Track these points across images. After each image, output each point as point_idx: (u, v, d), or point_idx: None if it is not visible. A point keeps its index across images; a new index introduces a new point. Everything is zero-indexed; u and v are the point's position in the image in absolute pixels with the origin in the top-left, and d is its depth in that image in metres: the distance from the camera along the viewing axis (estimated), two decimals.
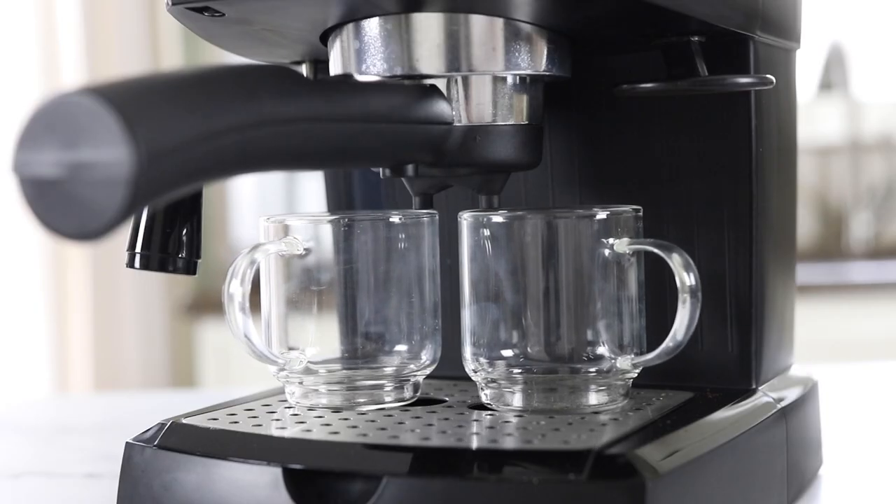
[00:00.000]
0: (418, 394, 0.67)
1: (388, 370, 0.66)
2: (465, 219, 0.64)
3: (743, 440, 0.61)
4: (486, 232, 0.62)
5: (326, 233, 0.65)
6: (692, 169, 0.68)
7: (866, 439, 0.86)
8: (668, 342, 0.61)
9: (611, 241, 0.61)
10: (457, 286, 0.66)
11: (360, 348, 0.66)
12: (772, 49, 0.68)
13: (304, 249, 0.64)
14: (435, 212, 0.66)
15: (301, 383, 0.65)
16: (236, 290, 0.61)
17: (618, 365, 0.62)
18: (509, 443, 0.57)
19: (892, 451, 0.83)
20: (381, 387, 0.65)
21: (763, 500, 0.63)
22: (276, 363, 0.64)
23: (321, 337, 0.65)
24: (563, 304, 0.62)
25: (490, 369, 0.63)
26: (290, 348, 0.65)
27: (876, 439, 0.87)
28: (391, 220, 0.65)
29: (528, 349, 0.62)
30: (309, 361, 0.65)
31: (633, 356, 0.62)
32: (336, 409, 0.64)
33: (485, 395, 0.64)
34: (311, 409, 0.65)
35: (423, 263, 0.66)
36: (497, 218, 0.62)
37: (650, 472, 0.53)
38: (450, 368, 0.69)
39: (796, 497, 0.68)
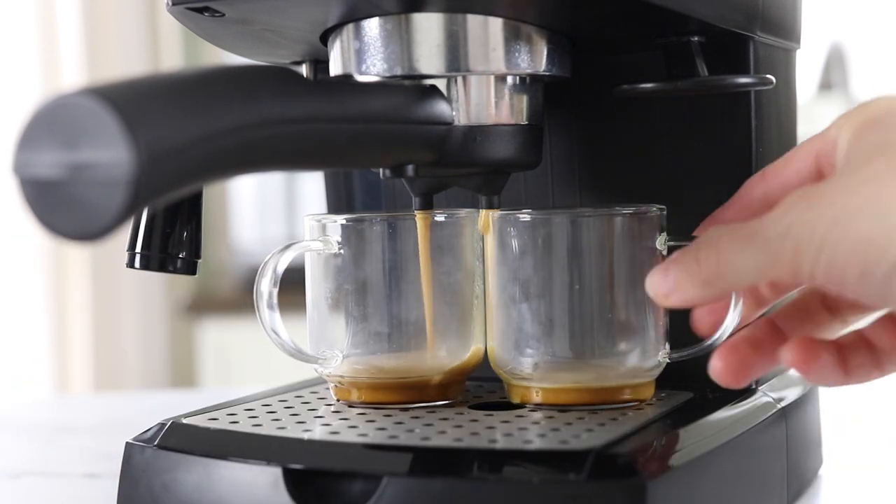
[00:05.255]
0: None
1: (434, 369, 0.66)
2: (496, 218, 0.63)
3: (743, 440, 0.61)
4: (518, 230, 0.62)
5: (362, 232, 0.65)
6: (692, 169, 0.68)
7: (866, 439, 0.86)
8: (718, 335, 0.60)
9: (654, 238, 0.62)
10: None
11: (403, 347, 0.65)
12: (772, 49, 0.68)
13: (339, 248, 0.65)
14: (474, 210, 0.66)
15: (341, 381, 0.66)
16: (265, 288, 0.62)
17: (658, 360, 0.62)
18: (509, 443, 0.57)
19: (892, 451, 0.83)
20: (425, 385, 0.65)
21: (763, 500, 0.63)
22: (306, 360, 0.65)
23: (357, 336, 0.65)
24: (602, 301, 0.62)
25: (517, 366, 0.63)
26: (329, 347, 0.66)
27: (876, 439, 0.87)
28: (434, 219, 0.65)
29: (562, 346, 0.62)
30: (345, 360, 0.65)
31: (667, 351, 0.63)
32: (377, 407, 0.65)
33: (512, 393, 0.64)
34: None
35: (468, 262, 0.66)
36: (525, 217, 0.62)
37: (650, 472, 0.53)
38: None
39: (796, 497, 0.68)
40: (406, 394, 0.65)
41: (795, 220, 0.48)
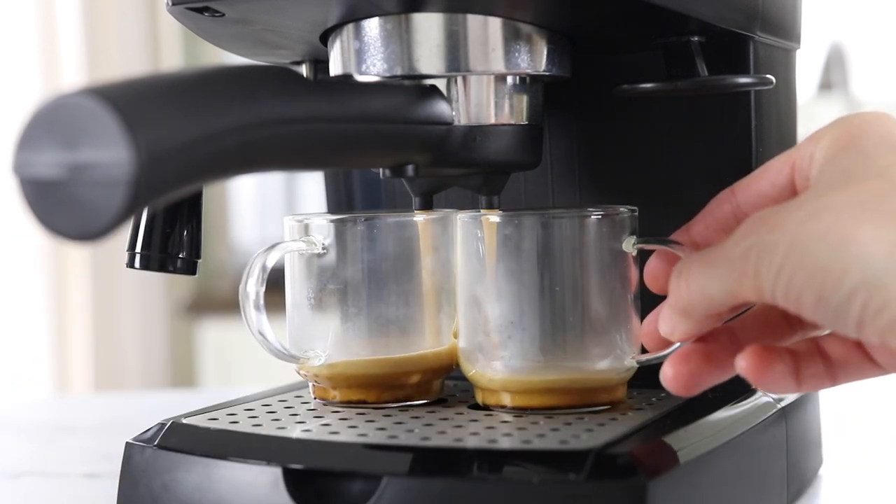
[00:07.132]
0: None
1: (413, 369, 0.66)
2: (463, 219, 0.64)
3: (743, 440, 0.61)
4: (485, 233, 0.62)
5: (346, 232, 0.65)
6: (692, 169, 0.68)
7: (866, 439, 0.86)
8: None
9: (621, 239, 0.61)
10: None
11: (383, 347, 0.66)
12: (772, 49, 0.68)
13: (323, 248, 0.65)
14: (453, 210, 0.66)
15: (320, 381, 0.66)
16: (252, 289, 0.62)
17: (625, 364, 0.62)
18: (509, 443, 0.57)
19: (892, 451, 0.83)
20: (404, 385, 0.65)
21: (763, 500, 0.63)
22: (291, 360, 0.65)
23: (340, 335, 0.65)
24: (569, 303, 0.61)
25: (489, 369, 0.63)
26: (310, 346, 0.66)
27: (876, 439, 0.87)
28: (412, 219, 0.65)
29: (531, 349, 0.62)
30: (327, 359, 0.65)
31: (637, 354, 0.62)
32: (356, 407, 0.65)
33: (480, 396, 0.64)
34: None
35: (445, 263, 0.66)
36: (496, 218, 0.62)
37: (650, 472, 0.53)
38: None
39: (796, 497, 0.68)
40: (385, 393, 0.65)
41: (755, 242, 0.48)
